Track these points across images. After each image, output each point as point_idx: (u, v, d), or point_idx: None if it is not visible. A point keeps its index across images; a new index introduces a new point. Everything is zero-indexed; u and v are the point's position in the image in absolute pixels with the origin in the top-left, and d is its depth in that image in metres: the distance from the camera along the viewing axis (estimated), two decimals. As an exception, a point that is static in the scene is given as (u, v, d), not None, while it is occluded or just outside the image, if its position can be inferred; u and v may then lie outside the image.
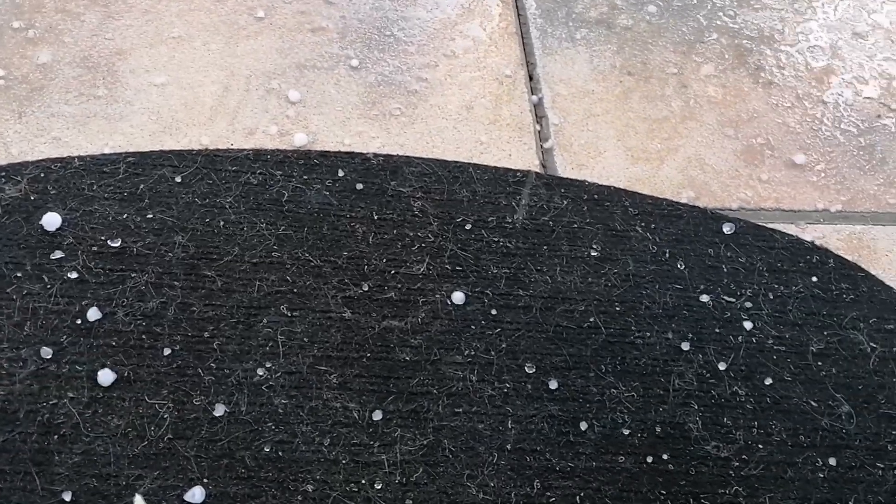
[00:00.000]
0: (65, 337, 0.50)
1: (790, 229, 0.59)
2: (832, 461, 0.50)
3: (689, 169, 0.61)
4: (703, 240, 0.57)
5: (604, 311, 0.54)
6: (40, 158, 0.56)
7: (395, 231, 0.57)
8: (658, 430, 0.50)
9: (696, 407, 0.51)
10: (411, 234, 0.57)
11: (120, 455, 0.47)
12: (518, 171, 0.60)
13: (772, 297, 0.56)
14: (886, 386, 0.53)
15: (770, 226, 0.58)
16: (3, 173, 0.56)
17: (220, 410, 0.49)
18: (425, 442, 0.49)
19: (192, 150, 0.58)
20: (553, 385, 0.51)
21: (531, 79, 0.65)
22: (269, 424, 0.49)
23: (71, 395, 0.49)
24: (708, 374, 0.52)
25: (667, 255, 0.57)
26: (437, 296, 0.54)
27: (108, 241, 0.54)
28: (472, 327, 0.53)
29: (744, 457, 0.50)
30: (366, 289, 0.54)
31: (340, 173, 0.59)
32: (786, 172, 0.62)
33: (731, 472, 0.49)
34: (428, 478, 0.48)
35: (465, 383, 0.51)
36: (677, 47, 0.68)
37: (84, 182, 0.56)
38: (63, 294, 0.51)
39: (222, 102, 0.61)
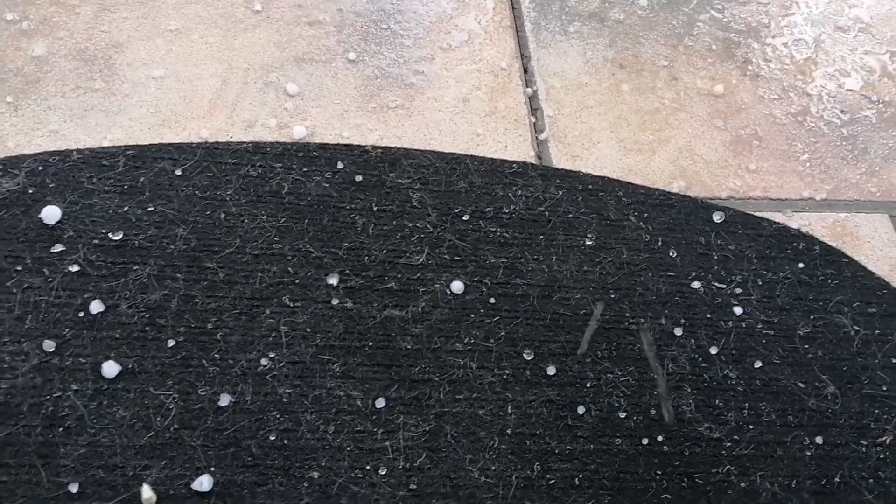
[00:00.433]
0: (67, 330, 0.50)
1: (777, 217, 0.60)
2: (819, 439, 0.52)
3: (680, 159, 0.62)
4: (695, 228, 0.58)
5: (599, 299, 0.55)
6: (38, 151, 0.56)
7: (394, 222, 0.57)
8: (653, 412, 0.51)
9: (689, 390, 0.52)
10: (410, 224, 0.57)
11: (126, 446, 0.47)
12: (514, 162, 0.60)
13: (760, 283, 0.57)
14: (869, 367, 0.55)
15: (758, 214, 0.60)
16: (1, 166, 0.55)
17: (225, 400, 0.49)
18: (427, 428, 0.49)
19: (192, 143, 0.58)
20: (551, 371, 0.52)
21: (526, 71, 0.65)
22: (274, 413, 0.49)
23: (75, 387, 0.48)
24: (700, 358, 0.53)
25: (659, 243, 0.57)
26: (437, 285, 0.55)
27: (109, 234, 0.53)
28: (472, 316, 0.54)
29: (735, 437, 0.51)
30: (367, 279, 0.54)
31: (340, 165, 0.59)
32: (773, 162, 0.63)
33: (723, 451, 0.50)
34: (431, 463, 0.48)
35: (466, 370, 0.52)
36: (668, 40, 0.69)
37: (83, 175, 0.55)
38: (64, 287, 0.51)
39: (221, 95, 0.60)
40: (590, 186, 0.60)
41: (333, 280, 0.54)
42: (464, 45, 0.66)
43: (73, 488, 0.46)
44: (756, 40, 0.70)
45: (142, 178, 0.56)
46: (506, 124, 0.62)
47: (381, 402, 0.50)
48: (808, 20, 0.73)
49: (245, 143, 0.59)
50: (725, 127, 0.64)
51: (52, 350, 0.49)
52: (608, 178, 0.60)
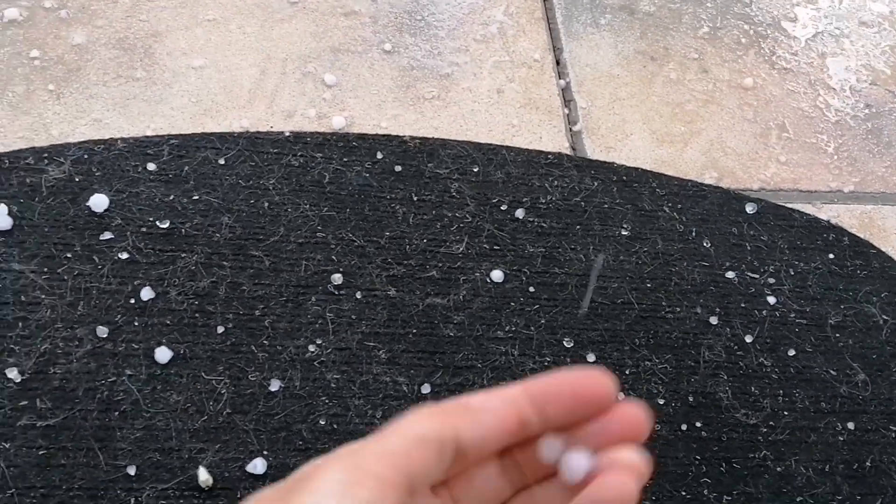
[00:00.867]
0: (119, 316, 0.51)
1: (807, 209, 0.61)
2: (850, 425, 0.53)
3: (711, 151, 0.63)
4: (728, 219, 0.59)
5: (636, 288, 0.56)
6: (82, 140, 0.56)
7: (433, 212, 0.58)
8: (691, 399, 0.52)
9: (725, 377, 0.53)
10: (449, 214, 0.58)
11: (181, 429, 0.48)
12: (550, 153, 0.61)
13: (792, 273, 0.58)
14: (898, 356, 0.56)
15: (789, 205, 0.61)
16: (46, 154, 0.56)
17: (275, 385, 0.50)
18: (473, 413, 0.50)
19: (234, 133, 0.59)
20: (591, 358, 0.53)
21: (558, 63, 0.66)
22: (323, 398, 0.50)
23: (129, 372, 0.49)
24: (735, 347, 0.55)
25: (693, 233, 0.59)
26: (477, 274, 0.56)
27: (157, 222, 0.54)
28: (512, 304, 0.55)
29: (771, 423, 0.52)
30: (409, 268, 0.55)
31: (379, 155, 0.59)
32: (801, 154, 0.64)
33: (759, 437, 0.52)
34: (477, 447, 0.49)
35: (508, 357, 0.53)
36: (697, 33, 0.69)
37: (129, 164, 0.56)
38: (115, 274, 0.52)
39: (260, 85, 0.61)
40: (624, 177, 0.61)
41: (377, 269, 0.55)
42: (497, 36, 0.67)
43: (131, 471, 0.47)
44: (783, 34, 0.71)
45: (186, 167, 0.57)
46: (540, 115, 0.63)
47: (426, 388, 0.51)
48: (832, 14, 0.74)
49: (286, 132, 0.59)
50: (755, 119, 0.66)
51: (105, 336, 0.50)
52: (642, 169, 0.61)
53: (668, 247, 0.58)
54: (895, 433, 0.53)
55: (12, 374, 0.48)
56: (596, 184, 0.60)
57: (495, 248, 0.57)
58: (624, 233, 0.58)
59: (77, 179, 0.55)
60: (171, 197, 0.55)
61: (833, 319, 0.57)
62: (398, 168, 0.59)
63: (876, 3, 0.75)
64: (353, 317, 0.53)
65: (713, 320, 0.55)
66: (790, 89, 0.67)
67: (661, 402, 0.52)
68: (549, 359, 0.53)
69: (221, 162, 0.57)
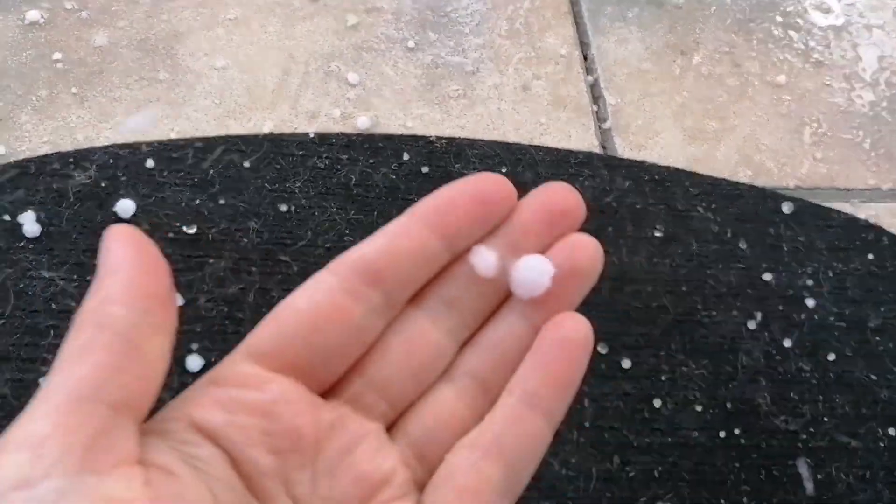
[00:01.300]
0: (147, 324, 0.50)
1: (845, 207, 0.60)
2: (891, 431, 0.52)
3: (745, 148, 0.62)
4: (764, 219, 0.58)
5: (670, 291, 0.55)
6: (107, 144, 0.56)
7: (462, 214, 0.57)
8: (729, 405, 0.51)
9: (764, 383, 0.52)
10: (479, 216, 0.57)
11: (212, 439, 0.48)
12: (579, 152, 0.60)
13: (831, 275, 0.57)
14: (940, 359, 0.55)
15: (826, 204, 0.59)
16: (72, 160, 0.55)
17: (306, 394, 0.50)
18: (506, 421, 0.50)
19: (258, 135, 0.58)
20: (626, 364, 0.52)
21: (585, 59, 0.65)
22: (355, 406, 0.50)
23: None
24: (774, 351, 0.53)
25: (729, 234, 0.57)
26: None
27: (184, 228, 0.53)
28: (544, 308, 0.54)
29: (811, 429, 0.51)
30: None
31: (405, 157, 0.58)
32: (838, 151, 0.63)
33: (799, 444, 0.51)
34: (511, 455, 0.49)
35: (541, 363, 0.52)
36: (728, 26, 0.68)
37: (153, 168, 0.55)
38: (142, 281, 0.51)
39: (283, 86, 0.60)
40: (656, 176, 0.59)
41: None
42: (522, 32, 0.66)
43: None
44: (816, 26, 0.69)
45: (211, 171, 0.56)
46: (568, 113, 0.62)
47: (458, 396, 0.50)
48: (866, 5, 0.72)
49: (310, 133, 0.58)
50: (789, 115, 0.64)
51: (133, 345, 0.50)
52: (674, 168, 0.60)
53: (703, 248, 0.57)
54: (938, 438, 0.52)
55: (44, 381, 0.48)
56: (627, 183, 0.59)
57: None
58: (657, 234, 0.57)
59: (103, 185, 0.54)
60: (197, 201, 0.55)
61: (873, 322, 0.55)
62: (425, 169, 0.58)
63: (910, -9, 0.73)
64: (383, 323, 0.52)
65: (751, 324, 0.54)
66: (824, 83, 0.66)
67: (699, 408, 0.51)
68: (583, 364, 0.52)
69: (247, 165, 0.56)
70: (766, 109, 0.64)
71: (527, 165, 0.59)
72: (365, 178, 0.57)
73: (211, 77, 0.60)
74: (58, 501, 0.16)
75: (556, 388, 0.23)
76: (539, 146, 0.60)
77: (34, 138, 0.56)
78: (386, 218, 0.61)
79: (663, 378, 0.52)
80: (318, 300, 0.22)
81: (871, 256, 0.58)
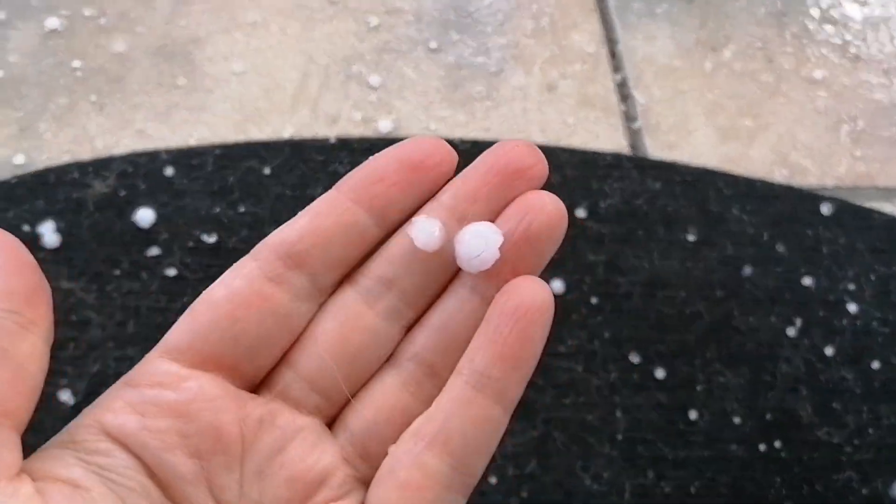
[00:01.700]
0: (168, 335, 0.49)
1: (886, 207, 0.57)
2: (941, 443, 0.49)
3: (780, 146, 0.59)
4: (802, 220, 0.56)
5: (705, 297, 0.53)
6: (126, 152, 0.55)
7: (488, 219, 0.55)
8: (769, 417, 0.49)
9: (805, 393, 0.50)
10: (504, 221, 0.55)
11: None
12: (608, 153, 0.58)
13: (873, 279, 0.54)
14: None
15: (867, 204, 0.57)
16: (91, 168, 0.54)
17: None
18: (536, 434, 0.48)
19: (279, 140, 0.57)
20: (659, 374, 0.50)
21: (613, 56, 0.63)
22: (379, 419, 0.48)
23: (179, 393, 0.48)
24: (815, 359, 0.51)
25: (765, 237, 0.55)
26: (536, 284, 0.53)
27: (204, 236, 0.52)
28: (573, 316, 0.52)
29: (855, 441, 0.49)
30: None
31: (429, 160, 0.57)
32: (878, 149, 0.60)
33: (843, 457, 0.48)
34: (541, 470, 0.47)
35: (571, 374, 0.50)
36: (761, 20, 0.65)
37: (173, 176, 0.54)
38: (163, 291, 0.50)
39: (303, 89, 0.59)
40: (688, 178, 0.57)
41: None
42: (547, 30, 0.64)
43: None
44: (852, 19, 0.66)
45: (231, 178, 0.55)
46: (596, 113, 0.60)
47: (486, 407, 0.49)
48: (906, -6, 0.69)
49: (331, 138, 0.57)
50: (826, 111, 0.61)
51: (154, 357, 0.49)
52: (707, 168, 0.58)
53: (739, 252, 0.54)
54: None
55: (65, 396, 0.47)
56: (658, 185, 0.57)
57: (554, 256, 0.54)
58: (690, 237, 0.55)
59: (122, 193, 0.53)
60: (218, 210, 0.53)
61: (919, 327, 0.53)
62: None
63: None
64: (408, 332, 0.51)
65: (790, 331, 0.51)
66: (862, 79, 0.63)
67: (737, 420, 0.49)
68: (614, 374, 0.50)
69: (267, 171, 0.55)
70: (801, 106, 0.61)
71: (554, 167, 0.57)
72: (387, 183, 0.56)
73: (230, 82, 0.59)
74: None
75: (508, 365, 0.20)
76: (566, 148, 0.58)
77: (53, 147, 0.55)
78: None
79: (699, 388, 0.50)
80: (237, 288, 0.20)
81: (916, 259, 0.55)
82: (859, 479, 0.48)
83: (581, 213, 0.55)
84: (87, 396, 0.47)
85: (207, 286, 0.53)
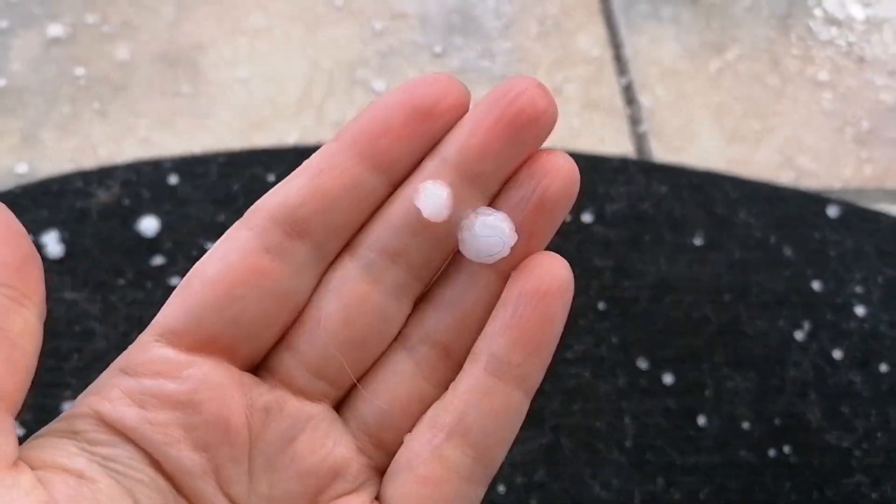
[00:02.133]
0: (174, 344, 0.49)
1: (893, 209, 0.57)
2: (951, 447, 0.49)
3: (787, 149, 0.59)
4: (809, 223, 0.55)
5: (713, 301, 0.52)
6: (130, 160, 0.55)
7: (494, 224, 0.55)
8: (777, 421, 0.49)
9: (813, 397, 0.50)
10: (510, 226, 0.55)
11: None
12: (614, 157, 0.58)
13: (881, 281, 0.54)
14: None
15: (874, 206, 0.56)
16: (95, 177, 0.54)
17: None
18: (544, 441, 0.48)
19: (283, 147, 0.56)
20: (667, 379, 0.50)
21: (618, 60, 0.63)
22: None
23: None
24: (823, 363, 0.51)
25: (772, 240, 0.55)
26: (542, 290, 0.53)
27: (208, 245, 0.52)
28: (580, 322, 0.52)
29: (864, 446, 0.49)
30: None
31: (434, 166, 0.57)
32: (884, 151, 0.60)
33: (852, 461, 0.48)
34: (550, 477, 0.47)
35: (579, 380, 0.50)
36: (766, 22, 0.65)
37: (177, 184, 0.54)
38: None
39: (308, 95, 0.59)
40: (695, 181, 0.57)
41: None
42: (552, 33, 0.63)
43: None
44: (857, 20, 0.66)
45: (235, 186, 0.54)
46: (601, 117, 0.60)
47: (494, 414, 0.49)
48: (910, -6, 0.68)
49: (336, 144, 0.57)
50: (832, 113, 0.61)
51: (160, 366, 0.49)
52: (713, 171, 0.57)
53: (746, 255, 0.54)
54: None
55: (69, 407, 0.47)
56: (665, 189, 0.56)
57: (560, 261, 0.54)
58: (697, 241, 0.54)
59: (126, 202, 0.53)
60: (222, 217, 0.53)
61: (928, 330, 0.53)
62: (455, 179, 0.56)
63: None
64: (415, 339, 0.51)
65: (798, 335, 0.51)
66: (868, 80, 0.63)
67: (746, 425, 0.48)
68: (623, 380, 0.50)
69: (271, 178, 0.55)
70: (807, 108, 0.61)
71: (559, 172, 0.57)
72: (392, 189, 0.56)
73: (234, 88, 0.58)
74: None
75: (529, 350, 0.18)
76: (571, 151, 0.58)
77: (56, 156, 0.55)
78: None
79: (707, 393, 0.49)
80: (233, 262, 0.18)
81: (924, 261, 0.55)
82: (869, 483, 0.47)
83: (587, 217, 0.55)
84: (94, 406, 0.47)
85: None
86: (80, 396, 0.19)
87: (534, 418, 0.49)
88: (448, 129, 0.18)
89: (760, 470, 0.47)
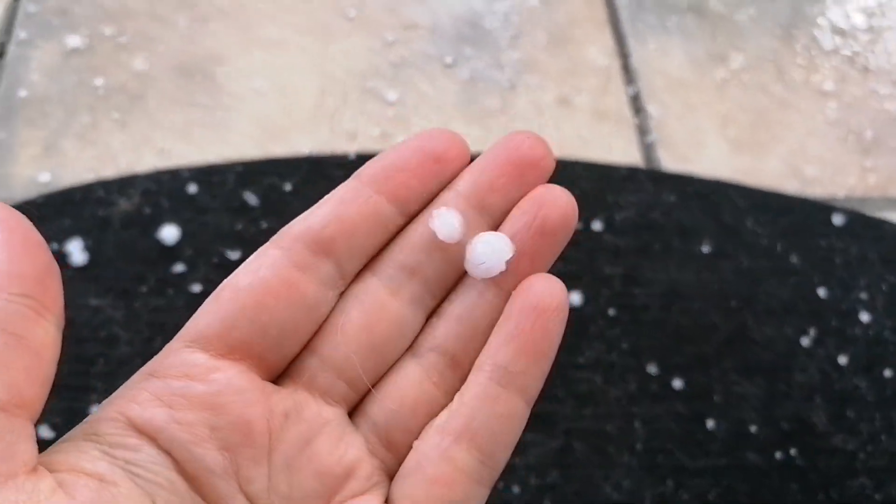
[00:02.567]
0: (195, 350, 0.52)
1: (897, 218, 0.59)
2: (953, 450, 0.52)
3: (792, 158, 0.62)
4: (814, 231, 0.58)
5: (721, 308, 0.55)
6: (149, 169, 0.57)
7: (506, 232, 0.57)
8: (784, 426, 0.51)
9: (819, 401, 0.52)
10: (522, 234, 0.57)
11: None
12: (623, 166, 0.60)
13: (885, 288, 0.56)
14: None
15: (878, 214, 0.59)
16: (116, 186, 0.56)
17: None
18: (556, 445, 0.50)
19: (298, 157, 0.59)
20: (677, 384, 0.52)
21: (626, 70, 0.65)
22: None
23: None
24: (829, 368, 0.53)
25: (779, 248, 0.57)
26: (554, 297, 0.55)
27: (227, 253, 0.55)
28: (592, 328, 0.54)
29: (868, 448, 0.51)
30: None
31: (446, 175, 0.59)
32: (889, 160, 0.62)
33: (857, 464, 0.50)
34: (563, 479, 0.49)
35: (591, 385, 0.52)
36: (771, 33, 0.68)
37: (195, 193, 0.56)
38: (189, 307, 0.52)
39: (321, 105, 0.61)
40: (702, 190, 0.59)
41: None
42: (560, 43, 0.66)
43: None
44: (861, 30, 0.69)
45: (252, 195, 0.57)
46: (610, 126, 0.62)
47: (507, 418, 0.51)
48: (914, 4, 0.71)
49: (350, 154, 0.59)
50: (837, 122, 0.64)
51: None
52: (720, 181, 0.60)
53: (753, 263, 0.56)
54: None
55: (95, 410, 0.49)
56: (673, 197, 0.59)
57: (572, 269, 0.56)
58: (705, 249, 0.57)
59: (147, 211, 0.56)
60: (240, 226, 0.56)
61: (931, 336, 0.55)
62: (467, 188, 0.59)
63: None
64: (430, 345, 0.53)
65: (804, 341, 0.54)
66: (872, 90, 0.65)
67: (754, 429, 0.51)
68: (633, 385, 0.52)
69: (288, 188, 0.57)
70: (813, 118, 0.64)
71: (570, 181, 0.59)
72: (406, 197, 0.58)
73: (249, 99, 0.61)
74: None
75: (530, 361, 0.21)
76: (581, 161, 0.61)
77: (78, 165, 0.57)
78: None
79: (716, 398, 0.52)
80: (264, 276, 0.20)
81: (927, 268, 0.57)
82: (873, 485, 0.50)
83: (597, 225, 0.58)
84: (117, 411, 0.49)
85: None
86: (106, 401, 0.20)
87: (547, 422, 0.51)
88: (455, 174, 0.22)
89: (767, 472, 0.50)
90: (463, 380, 0.21)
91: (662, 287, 0.55)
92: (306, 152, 0.59)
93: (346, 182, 0.22)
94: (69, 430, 0.20)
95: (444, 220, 0.21)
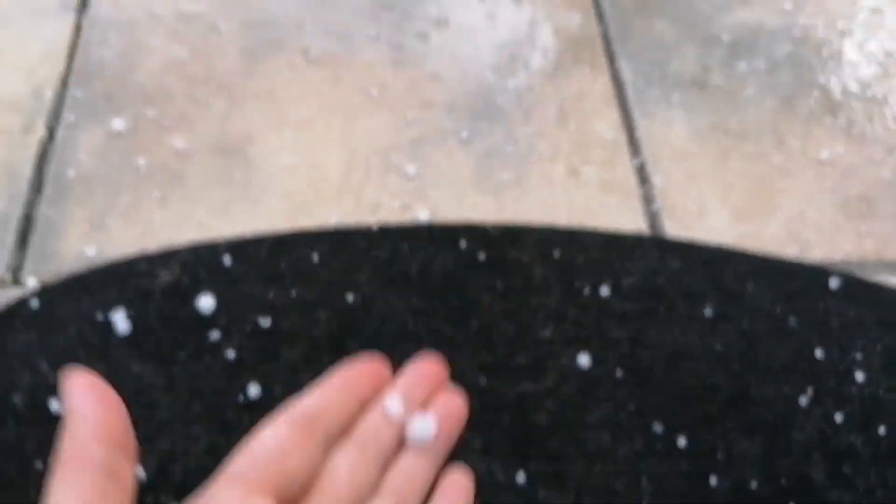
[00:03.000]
0: (230, 413, 0.58)
1: (893, 280, 0.65)
2: (949, 505, 0.56)
3: (791, 225, 0.68)
4: (813, 295, 0.64)
5: (724, 370, 0.60)
6: (188, 243, 0.64)
7: (518, 299, 0.64)
8: (784, 482, 0.56)
9: (817, 458, 0.57)
10: (534, 301, 0.64)
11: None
12: (629, 234, 0.66)
13: (880, 349, 0.62)
14: None
15: (875, 278, 0.65)
16: (158, 259, 0.64)
17: (378, 477, 0.56)
18: (568, 501, 0.55)
19: (325, 229, 0.66)
20: (682, 443, 0.58)
21: (632, 142, 0.72)
22: (424, 488, 0.56)
23: (242, 466, 0.56)
24: (826, 426, 0.58)
25: (779, 311, 0.63)
26: (564, 360, 0.61)
27: (259, 320, 0.61)
28: (600, 389, 0.60)
29: (864, 502, 0.56)
30: (498, 356, 0.61)
31: (462, 245, 0.66)
32: (884, 224, 0.68)
33: (855, 520, 0.55)
34: (574, 534, 0.54)
35: (599, 443, 0.58)
36: (770, 104, 0.74)
37: (231, 265, 0.64)
38: (224, 373, 0.59)
39: (347, 180, 0.68)
40: (705, 256, 0.66)
41: (467, 358, 0.61)
42: (570, 117, 0.73)
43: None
44: (857, 99, 0.75)
45: (283, 265, 0.64)
46: (617, 196, 0.69)
47: (521, 477, 0.56)
48: (909, 72, 0.78)
49: (373, 226, 0.66)
50: (834, 190, 0.70)
51: (219, 433, 0.57)
52: (723, 247, 0.66)
53: (754, 326, 0.62)
54: None
55: (138, 472, 0.55)
56: (677, 264, 0.65)
57: (581, 332, 0.62)
58: (708, 313, 0.63)
59: (185, 282, 0.63)
60: (272, 295, 0.63)
61: (926, 395, 0.60)
62: (482, 257, 0.65)
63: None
64: (448, 406, 0.59)
65: (802, 400, 0.59)
66: (868, 157, 0.71)
67: (755, 485, 0.56)
68: (640, 443, 0.57)
69: (315, 259, 0.64)
70: (811, 186, 0.70)
71: (579, 249, 0.66)
72: (424, 267, 0.65)
73: (281, 176, 0.68)
74: None
75: None
76: (590, 229, 0.67)
77: (122, 241, 0.65)
78: (446, 305, 0.67)
79: (718, 456, 0.57)
80: (281, 433, 0.32)
81: (921, 330, 0.63)
82: (872, 540, 0.54)
83: (605, 291, 0.64)
84: (158, 472, 0.56)
85: (264, 367, 0.62)
86: None
87: (558, 480, 0.56)
88: (384, 382, 0.39)
89: (769, 527, 0.55)
90: None
91: (667, 349, 0.61)
92: (332, 223, 0.67)
93: (324, 385, 0.38)
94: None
95: (394, 403, 0.38)
